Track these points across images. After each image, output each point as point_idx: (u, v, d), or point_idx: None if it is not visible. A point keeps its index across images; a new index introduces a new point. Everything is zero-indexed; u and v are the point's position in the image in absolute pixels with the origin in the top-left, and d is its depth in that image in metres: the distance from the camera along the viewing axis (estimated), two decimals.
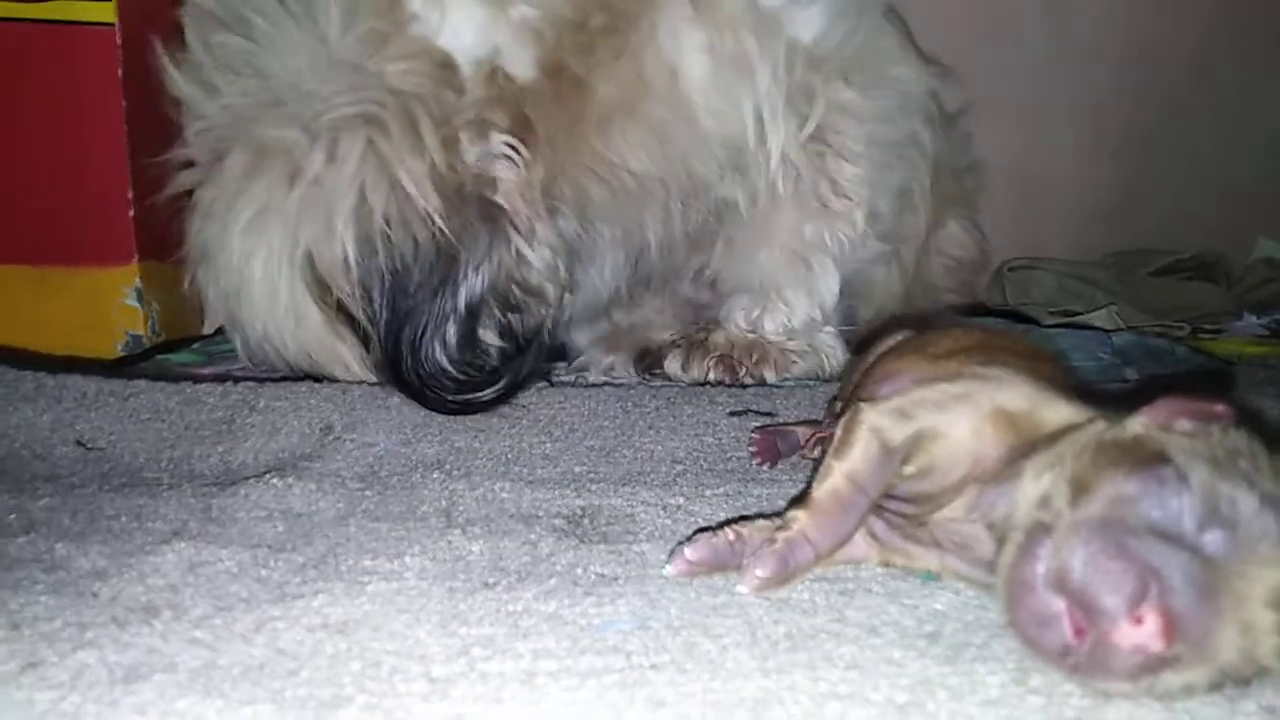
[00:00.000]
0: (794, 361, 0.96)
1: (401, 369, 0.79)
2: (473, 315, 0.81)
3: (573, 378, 0.95)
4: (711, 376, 0.95)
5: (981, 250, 1.31)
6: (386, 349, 0.79)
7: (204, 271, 0.86)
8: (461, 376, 0.79)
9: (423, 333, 0.78)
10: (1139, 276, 1.39)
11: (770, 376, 0.95)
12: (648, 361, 1.02)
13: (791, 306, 0.96)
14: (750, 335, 0.96)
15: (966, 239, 1.25)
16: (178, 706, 0.37)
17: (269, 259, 0.80)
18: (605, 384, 0.92)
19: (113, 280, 1.04)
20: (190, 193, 0.85)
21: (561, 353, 0.94)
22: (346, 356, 0.83)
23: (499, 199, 0.81)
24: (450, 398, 0.78)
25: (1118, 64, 1.45)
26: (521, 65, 0.84)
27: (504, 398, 0.80)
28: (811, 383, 0.95)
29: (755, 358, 0.95)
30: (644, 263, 0.95)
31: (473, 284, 0.80)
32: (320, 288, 0.80)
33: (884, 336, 0.66)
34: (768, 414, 0.80)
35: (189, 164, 0.85)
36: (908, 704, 0.38)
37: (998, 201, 1.44)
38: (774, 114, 0.88)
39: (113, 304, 1.04)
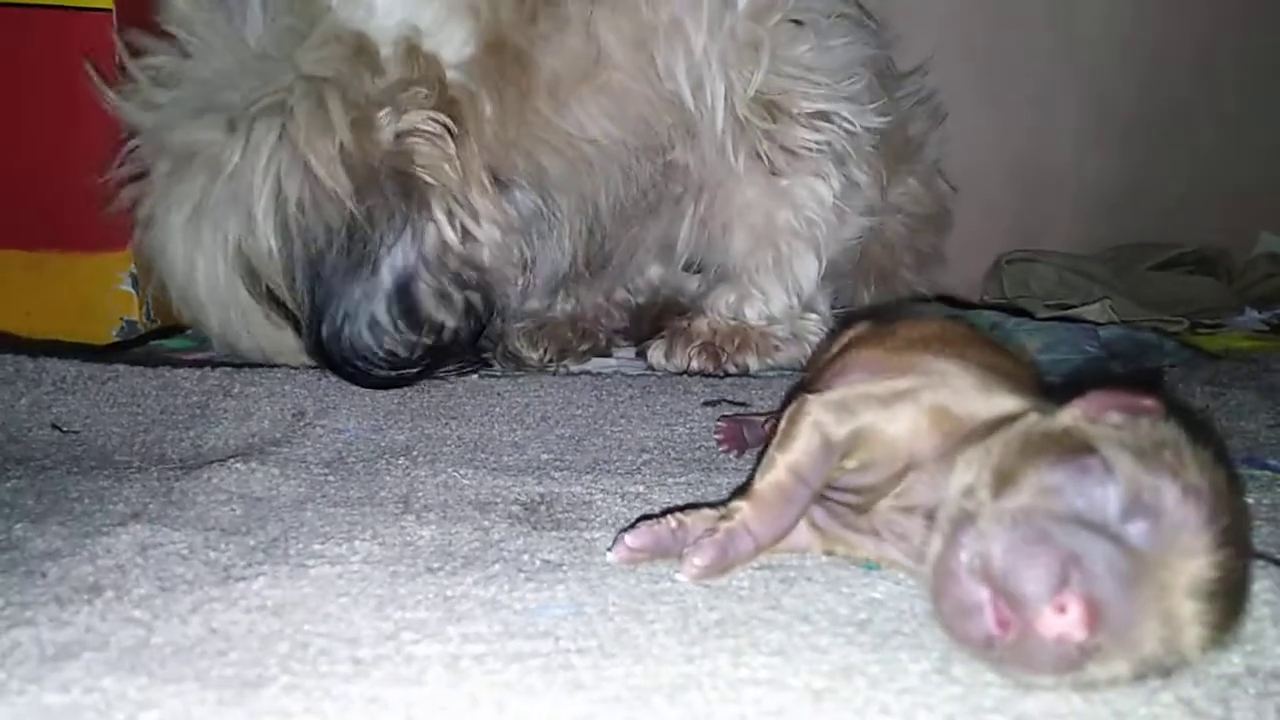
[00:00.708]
0: (776, 347, 0.95)
1: (328, 354, 0.79)
2: (405, 293, 0.80)
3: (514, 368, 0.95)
4: (695, 365, 0.94)
5: (943, 204, 1.26)
6: (312, 334, 0.79)
7: (159, 278, 0.87)
8: (395, 358, 0.80)
9: (345, 316, 0.78)
10: (1139, 271, 1.38)
11: (753, 363, 0.94)
12: (584, 349, 1.01)
13: (767, 294, 0.95)
14: (732, 322, 0.96)
15: (924, 193, 1.21)
16: (102, 684, 0.37)
17: (207, 257, 0.81)
18: (583, 372, 0.92)
19: (108, 266, 1.04)
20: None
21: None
22: (292, 344, 0.83)
23: (424, 175, 0.80)
24: (379, 373, 0.79)
25: (1122, 56, 1.43)
26: (456, 42, 0.83)
27: (425, 373, 0.81)
28: (793, 372, 0.94)
29: (737, 343, 0.94)
30: (598, 228, 0.93)
31: (395, 262, 0.79)
32: (251, 278, 0.80)
33: (851, 328, 0.66)
34: (741, 404, 0.80)
35: (140, 176, 0.86)
36: (824, 690, 0.38)
37: (1001, 194, 1.44)
38: (711, 71, 0.86)
39: (107, 289, 1.05)
